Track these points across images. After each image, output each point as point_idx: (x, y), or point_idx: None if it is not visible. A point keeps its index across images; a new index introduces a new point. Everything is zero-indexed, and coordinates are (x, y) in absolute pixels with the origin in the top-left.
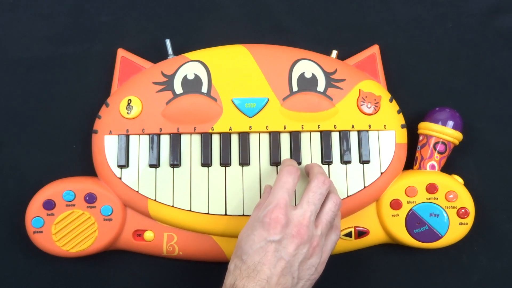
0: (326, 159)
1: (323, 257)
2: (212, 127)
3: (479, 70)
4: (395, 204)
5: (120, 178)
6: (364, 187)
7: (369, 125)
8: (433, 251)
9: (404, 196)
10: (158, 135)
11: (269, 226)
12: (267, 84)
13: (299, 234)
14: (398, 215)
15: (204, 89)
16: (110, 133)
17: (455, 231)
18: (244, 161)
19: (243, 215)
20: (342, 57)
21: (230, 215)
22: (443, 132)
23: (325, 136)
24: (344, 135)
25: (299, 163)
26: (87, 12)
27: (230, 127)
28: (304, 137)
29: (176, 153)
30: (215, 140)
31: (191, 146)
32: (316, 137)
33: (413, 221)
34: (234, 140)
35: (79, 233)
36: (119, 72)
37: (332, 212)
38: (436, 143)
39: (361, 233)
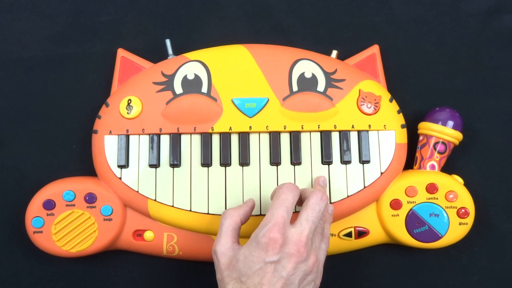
0: (326, 159)
1: (319, 270)
2: (212, 127)
3: (479, 70)
4: (395, 204)
5: (120, 178)
6: (364, 187)
7: (369, 125)
8: (433, 251)
9: (404, 196)
10: (158, 135)
11: (268, 247)
12: (267, 84)
13: (299, 252)
14: (398, 215)
15: (204, 89)
16: (110, 133)
17: (455, 231)
18: (244, 161)
19: None
20: (342, 57)
21: None
22: (443, 132)
23: (325, 136)
24: (344, 135)
25: (299, 163)
26: (87, 12)
27: (230, 127)
28: (304, 137)
29: (176, 153)
30: (215, 140)
31: (191, 146)
32: (316, 137)
33: (413, 221)
34: (234, 140)
35: (79, 233)
36: (119, 72)
37: (320, 225)
38: (436, 143)
39: (361, 233)
